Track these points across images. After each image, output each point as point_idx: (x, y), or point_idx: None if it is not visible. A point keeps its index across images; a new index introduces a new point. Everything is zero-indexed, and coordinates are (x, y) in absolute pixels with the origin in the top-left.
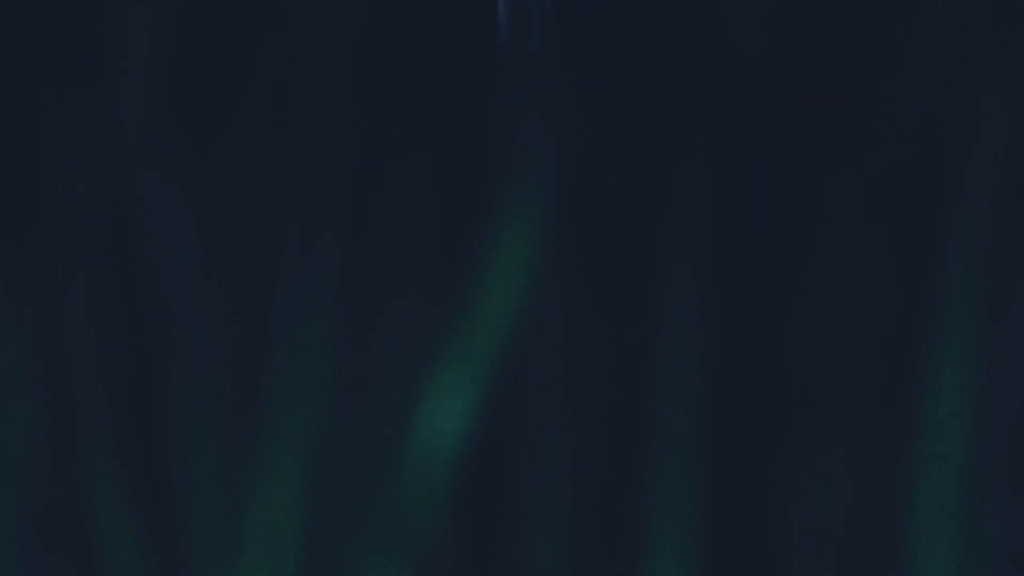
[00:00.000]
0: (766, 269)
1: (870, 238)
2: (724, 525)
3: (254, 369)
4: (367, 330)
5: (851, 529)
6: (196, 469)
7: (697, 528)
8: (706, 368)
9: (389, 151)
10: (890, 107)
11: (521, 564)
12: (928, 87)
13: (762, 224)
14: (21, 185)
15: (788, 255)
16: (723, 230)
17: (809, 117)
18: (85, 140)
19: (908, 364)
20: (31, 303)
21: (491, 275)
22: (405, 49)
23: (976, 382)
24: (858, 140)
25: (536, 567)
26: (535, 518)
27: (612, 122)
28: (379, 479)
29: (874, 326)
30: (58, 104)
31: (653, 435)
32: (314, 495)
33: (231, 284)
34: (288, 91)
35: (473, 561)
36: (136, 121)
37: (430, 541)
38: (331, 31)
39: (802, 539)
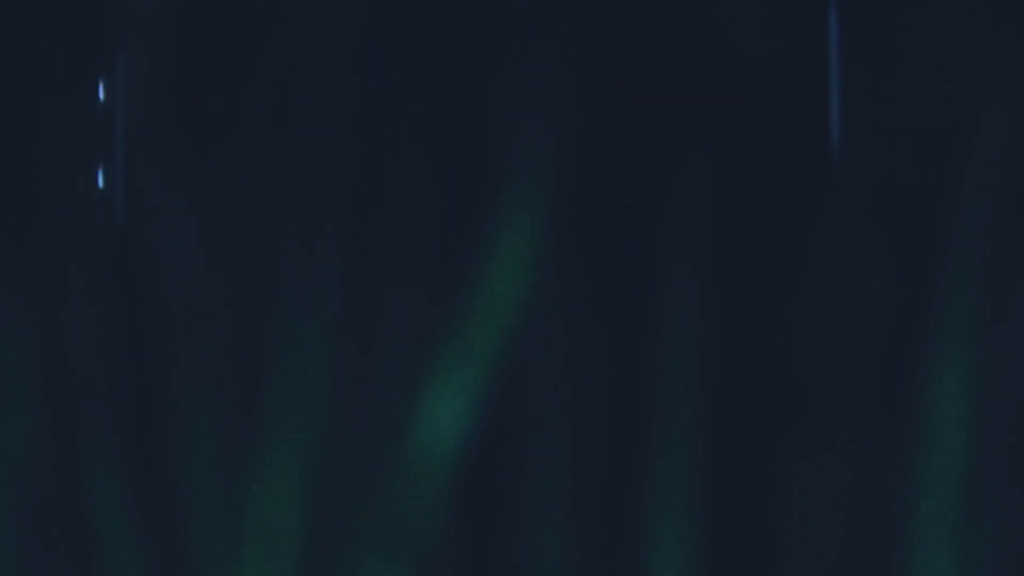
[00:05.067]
0: (766, 268)
1: (870, 238)
2: (724, 524)
3: (254, 369)
4: (367, 329)
5: (851, 529)
6: (196, 469)
7: (697, 527)
8: (706, 368)
9: (389, 151)
10: (890, 107)
11: (521, 564)
12: (928, 87)
13: (762, 223)
14: (21, 185)
15: (788, 254)
16: (723, 229)
17: (809, 117)
18: (85, 140)
19: (908, 364)
20: (31, 303)
21: (491, 275)
22: (405, 49)
23: (976, 382)
24: (858, 140)
25: (536, 567)
26: (535, 518)
27: (612, 121)
28: (379, 479)
29: (874, 326)
30: (59, 104)
31: (653, 434)
32: (314, 494)
33: (231, 284)
34: (288, 91)
35: (473, 561)
36: (136, 121)
37: (430, 541)
38: (331, 31)
39: (802, 539)
